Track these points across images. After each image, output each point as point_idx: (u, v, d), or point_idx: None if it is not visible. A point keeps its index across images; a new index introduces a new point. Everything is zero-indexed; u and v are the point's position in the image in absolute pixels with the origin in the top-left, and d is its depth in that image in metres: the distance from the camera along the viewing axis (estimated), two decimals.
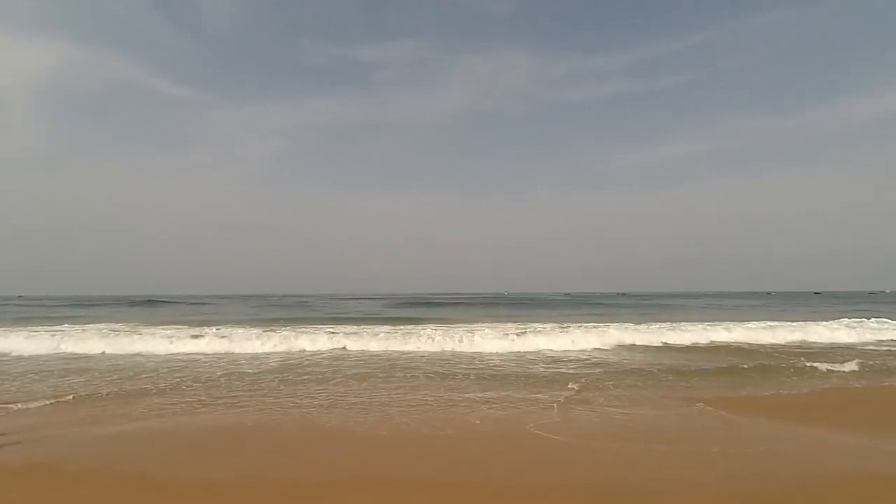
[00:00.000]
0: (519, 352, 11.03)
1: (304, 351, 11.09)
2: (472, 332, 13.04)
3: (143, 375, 8.38)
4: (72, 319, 21.83)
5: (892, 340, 12.93)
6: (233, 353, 10.71)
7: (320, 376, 8.18)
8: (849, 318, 17.30)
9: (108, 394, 6.94)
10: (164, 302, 47.22)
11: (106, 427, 5.24)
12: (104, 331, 14.41)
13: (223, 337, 12.05)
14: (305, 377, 8.14)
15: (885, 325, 15.15)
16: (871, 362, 9.15)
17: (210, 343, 11.48)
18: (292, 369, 8.89)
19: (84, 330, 14.83)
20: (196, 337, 12.22)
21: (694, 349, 11.60)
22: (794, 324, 15.27)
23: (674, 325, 15.58)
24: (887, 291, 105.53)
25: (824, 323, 15.59)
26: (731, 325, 15.15)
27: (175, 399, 6.60)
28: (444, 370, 8.68)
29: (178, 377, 8.17)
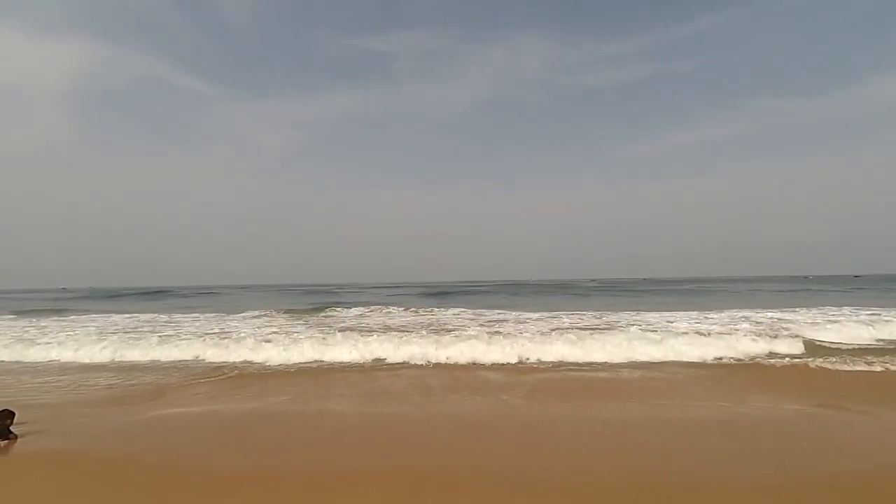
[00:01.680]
0: None
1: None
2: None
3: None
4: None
5: None
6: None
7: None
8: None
9: (128, 387, 6.87)
10: (209, 293, 47.82)
11: (128, 416, 5.19)
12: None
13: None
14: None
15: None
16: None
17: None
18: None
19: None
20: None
21: None
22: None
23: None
24: None
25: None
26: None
27: (200, 390, 6.60)
28: None
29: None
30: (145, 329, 12.56)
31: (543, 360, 7.67)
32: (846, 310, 14.54)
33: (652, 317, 13.21)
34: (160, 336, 10.53)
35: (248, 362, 8.12)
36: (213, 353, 8.58)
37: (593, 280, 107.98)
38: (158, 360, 8.52)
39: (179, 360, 8.52)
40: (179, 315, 17.26)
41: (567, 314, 14.97)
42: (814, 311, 14.59)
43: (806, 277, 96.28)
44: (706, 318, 12.82)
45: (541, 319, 13.70)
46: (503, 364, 7.65)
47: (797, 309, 15.07)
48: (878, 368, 7.17)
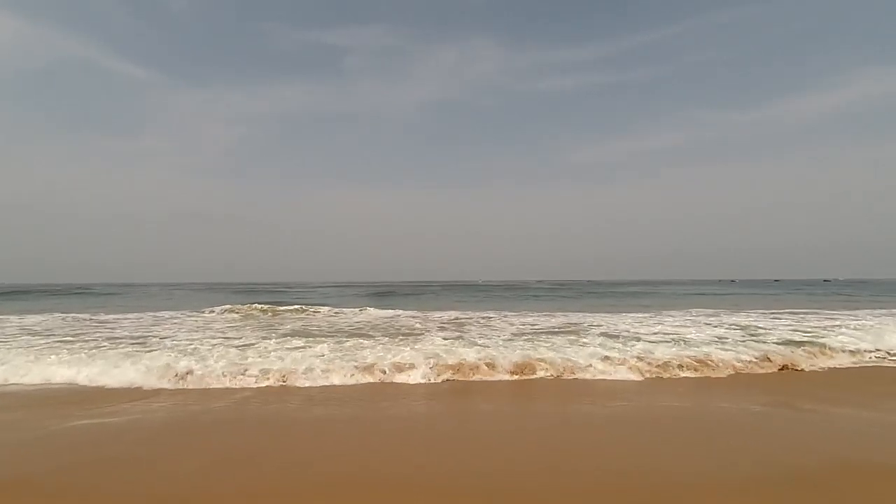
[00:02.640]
0: None
1: None
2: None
3: None
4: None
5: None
6: None
7: None
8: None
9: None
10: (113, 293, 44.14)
11: (20, 432, 4.36)
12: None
13: None
14: None
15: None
16: None
17: None
18: None
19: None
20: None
21: None
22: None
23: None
24: (841, 279, 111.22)
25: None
26: None
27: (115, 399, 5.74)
28: None
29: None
30: (61, 332, 11.10)
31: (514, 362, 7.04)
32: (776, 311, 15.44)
33: (612, 318, 13.31)
34: (68, 345, 8.76)
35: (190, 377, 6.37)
36: (141, 366, 6.64)
37: (540, 281, 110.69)
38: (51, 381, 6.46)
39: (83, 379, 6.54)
40: (108, 316, 15.55)
41: (533, 315, 14.87)
42: (758, 311, 15.47)
43: (732, 281, 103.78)
44: (663, 321, 13.06)
45: (498, 319, 13.48)
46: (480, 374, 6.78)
47: (737, 310, 15.83)
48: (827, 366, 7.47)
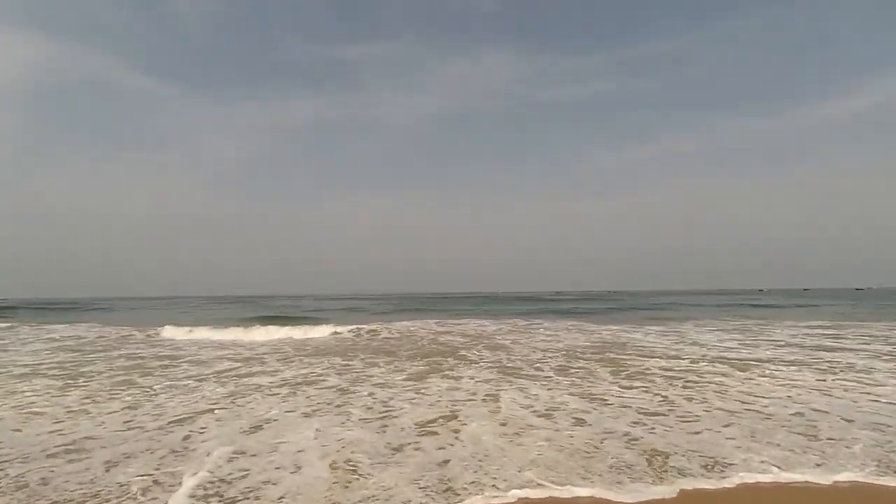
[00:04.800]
0: None
1: None
2: None
3: None
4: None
5: None
6: None
7: None
8: None
9: None
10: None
11: None
12: None
13: None
14: None
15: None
16: None
17: None
18: None
19: None
20: None
21: None
22: None
23: None
24: (874, 288, 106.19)
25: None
26: None
27: None
28: None
29: None
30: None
31: None
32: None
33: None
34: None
35: None
36: None
37: (558, 292, 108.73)
38: None
39: None
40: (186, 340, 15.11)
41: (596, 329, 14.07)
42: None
43: (760, 291, 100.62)
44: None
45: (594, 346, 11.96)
46: None
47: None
48: None
